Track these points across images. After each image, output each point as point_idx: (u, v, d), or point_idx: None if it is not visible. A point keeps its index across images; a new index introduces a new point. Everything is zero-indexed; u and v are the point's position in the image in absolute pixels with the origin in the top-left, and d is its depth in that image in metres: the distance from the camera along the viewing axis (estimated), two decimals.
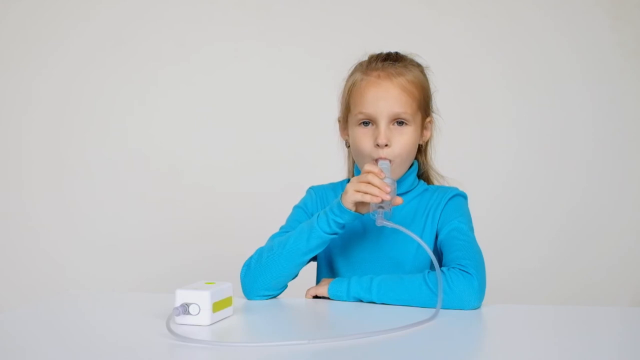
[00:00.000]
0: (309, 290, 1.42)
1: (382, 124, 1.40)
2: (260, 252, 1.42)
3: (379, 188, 1.30)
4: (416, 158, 1.51)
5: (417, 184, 1.51)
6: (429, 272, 1.34)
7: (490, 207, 2.42)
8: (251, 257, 1.42)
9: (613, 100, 2.47)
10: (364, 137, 1.42)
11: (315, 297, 1.41)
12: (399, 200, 1.34)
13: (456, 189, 1.51)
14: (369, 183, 1.32)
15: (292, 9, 2.51)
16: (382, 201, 1.31)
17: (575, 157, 2.48)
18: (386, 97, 1.41)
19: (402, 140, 1.41)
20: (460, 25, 2.48)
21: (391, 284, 1.34)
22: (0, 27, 2.55)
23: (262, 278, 1.38)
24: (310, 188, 1.57)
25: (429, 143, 1.53)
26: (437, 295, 1.28)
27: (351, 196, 1.33)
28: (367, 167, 1.35)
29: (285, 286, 1.42)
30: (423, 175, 1.55)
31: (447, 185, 1.54)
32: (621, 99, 2.47)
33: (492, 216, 2.38)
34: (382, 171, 1.34)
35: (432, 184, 1.55)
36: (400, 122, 1.41)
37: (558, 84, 2.47)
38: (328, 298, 1.39)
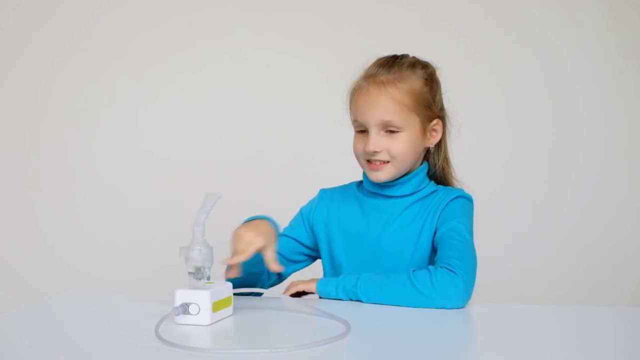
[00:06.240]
0: (296, 284, 1.40)
1: (372, 131, 1.42)
2: None
3: None
4: (427, 159, 1.50)
5: (425, 186, 1.49)
6: (414, 270, 1.33)
7: (488, 207, 2.40)
8: None
9: (613, 101, 2.47)
10: (358, 143, 1.46)
11: (303, 293, 1.40)
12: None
13: (461, 190, 1.49)
14: None
15: (291, 9, 2.51)
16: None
17: (574, 158, 2.47)
18: (374, 106, 1.42)
19: (395, 146, 1.42)
20: (460, 25, 2.48)
21: (378, 283, 1.33)
22: (5, 29, 2.55)
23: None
24: (320, 190, 1.58)
25: (441, 145, 1.51)
26: (423, 294, 1.28)
27: None
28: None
29: (254, 280, 1.43)
30: (436, 176, 1.52)
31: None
32: (621, 99, 2.47)
33: (490, 216, 2.37)
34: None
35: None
36: (392, 128, 1.42)
37: (557, 85, 2.47)
38: (314, 293, 1.38)
